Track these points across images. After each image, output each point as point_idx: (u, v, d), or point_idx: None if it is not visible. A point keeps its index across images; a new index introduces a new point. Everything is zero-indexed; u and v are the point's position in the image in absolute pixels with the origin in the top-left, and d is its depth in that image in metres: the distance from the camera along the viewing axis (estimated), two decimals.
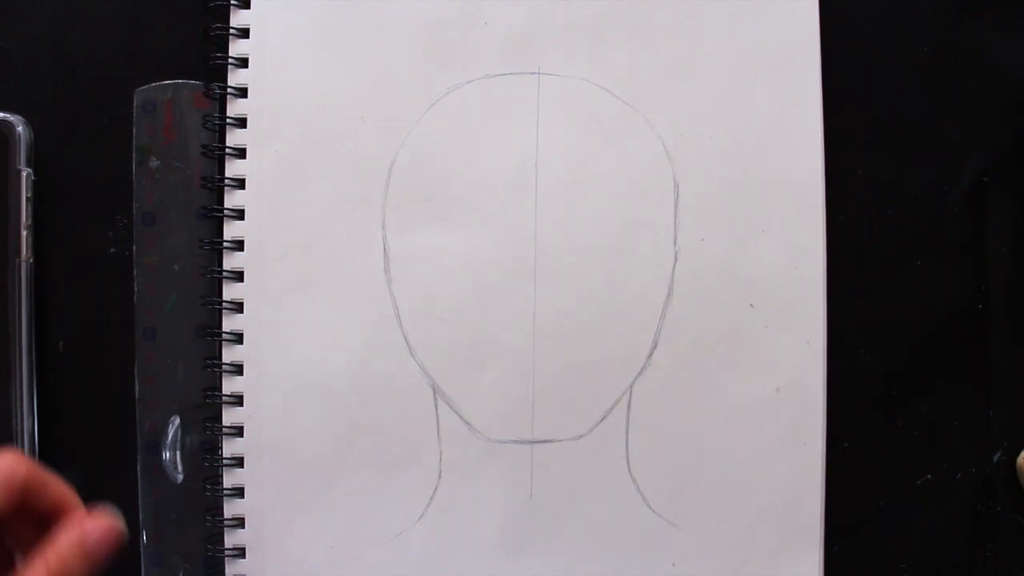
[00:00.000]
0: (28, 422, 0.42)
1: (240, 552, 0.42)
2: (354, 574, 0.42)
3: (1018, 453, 0.42)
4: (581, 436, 0.41)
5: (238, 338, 0.42)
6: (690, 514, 0.41)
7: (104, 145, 0.43)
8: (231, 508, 0.42)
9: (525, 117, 0.42)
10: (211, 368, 0.42)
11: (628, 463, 0.41)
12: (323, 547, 0.42)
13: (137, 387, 0.42)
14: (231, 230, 0.42)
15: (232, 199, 0.42)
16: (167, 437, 0.42)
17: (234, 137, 0.42)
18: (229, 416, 0.42)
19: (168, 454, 0.42)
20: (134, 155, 0.42)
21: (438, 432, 0.42)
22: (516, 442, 0.41)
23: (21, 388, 0.41)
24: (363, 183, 0.42)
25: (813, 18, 0.41)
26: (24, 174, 0.41)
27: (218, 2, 0.43)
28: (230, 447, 0.42)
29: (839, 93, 0.41)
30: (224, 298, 0.42)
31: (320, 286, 0.42)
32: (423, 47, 0.42)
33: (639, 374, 0.41)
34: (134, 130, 0.42)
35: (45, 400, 0.43)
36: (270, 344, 0.42)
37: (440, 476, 0.42)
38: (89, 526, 0.33)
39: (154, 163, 0.42)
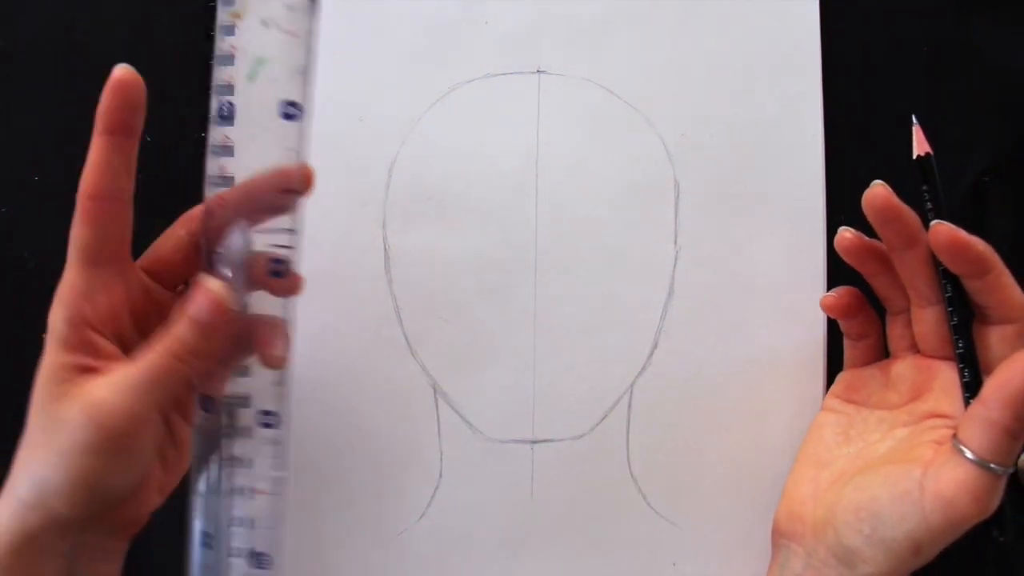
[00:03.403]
0: None
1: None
2: (354, 574, 0.42)
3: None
4: (582, 436, 0.41)
5: None
6: (690, 514, 0.41)
7: None
8: None
9: (526, 116, 0.42)
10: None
11: (628, 463, 0.41)
12: (323, 547, 0.42)
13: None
14: None
15: None
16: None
17: None
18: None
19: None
20: None
21: (439, 432, 0.42)
22: (517, 442, 0.41)
23: None
24: (363, 183, 0.42)
25: (813, 18, 0.41)
26: None
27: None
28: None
29: (839, 93, 0.41)
30: None
31: (320, 286, 0.42)
32: (423, 46, 0.42)
33: (639, 374, 0.41)
34: None
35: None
36: None
37: (441, 475, 0.41)
38: (192, 300, 0.33)
39: None
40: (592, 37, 0.42)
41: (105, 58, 0.44)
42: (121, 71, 0.34)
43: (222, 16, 0.34)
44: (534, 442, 0.41)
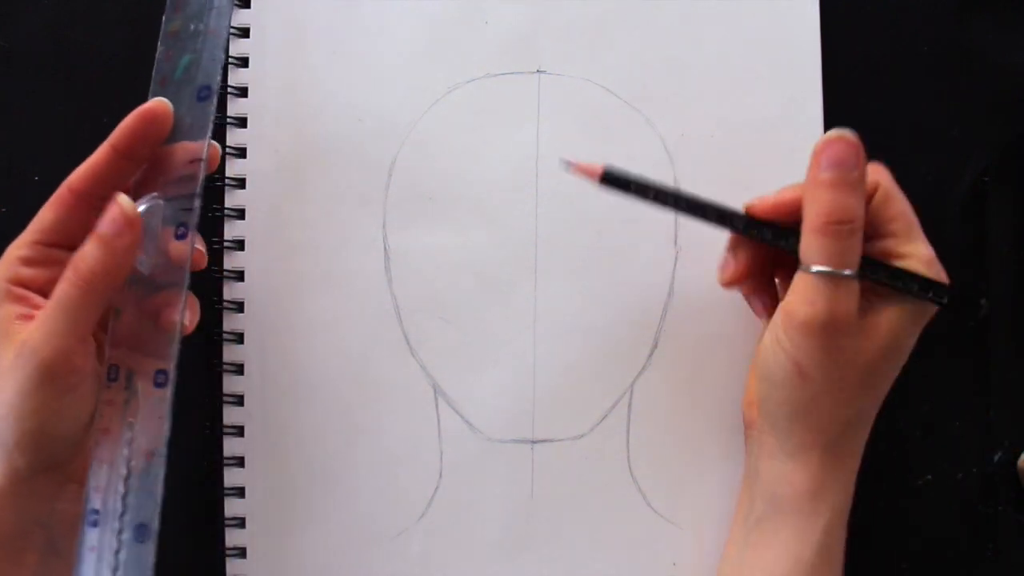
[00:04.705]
0: None
1: (240, 552, 0.42)
2: (354, 574, 0.42)
3: (1018, 453, 0.42)
4: (582, 436, 0.41)
5: (238, 338, 0.42)
6: (690, 514, 0.41)
7: None
8: (231, 508, 0.42)
9: (526, 116, 0.42)
10: (212, 368, 0.42)
11: (629, 463, 0.41)
12: (323, 547, 0.42)
13: None
14: (231, 230, 0.42)
15: (232, 199, 0.42)
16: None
17: (234, 137, 0.42)
18: (229, 416, 0.42)
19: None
20: None
21: (439, 432, 0.42)
22: (517, 442, 0.41)
23: None
24: (363, 183, 0.42)
25: (813, 18, 0.41)
26: None
27: None
28: (230, 447, 0.42)
29: (839, 93, 0.41)
30: (224, 298, 0.42)
31: (320, 286, 0.42)
32: (423, 46, 0.42)
33: (639, 374, 0.41)
34: None
35: None
36: (270, 344, 0.42)
37: (441, 476, 0.41)
38: (101, 219, 0.35)
39: None
40: (592, 37, 0.42)
41: (105, 58, 0.44)
42: (157, 103, 0.36)
43: (164, 30, 0.38)
44: (534, 442, 0.41)
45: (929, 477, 0.42)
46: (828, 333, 0.33)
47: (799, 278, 0.34)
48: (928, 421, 0.42)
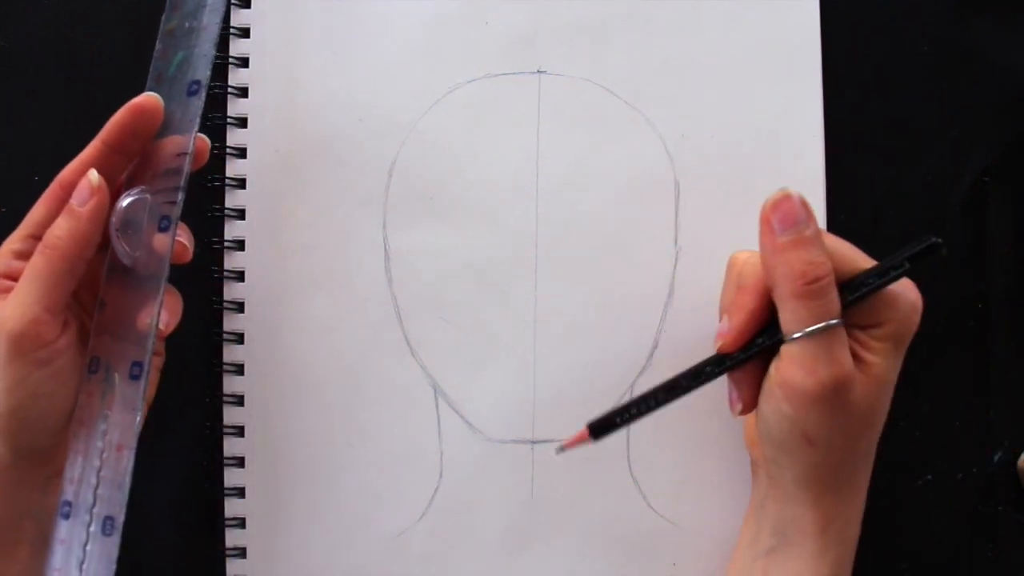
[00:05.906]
0: None
1: (240, 552, 0.42)
2: (354, 574, 0.42)
3: (1018, 453, 0.42)
4: None
5: (239, 338, 0.42)
6: (690, 514, 0.41)
7: None
8: (231, 508, 0.42)
9: (526, 117, 0.42)
10: (212, 368, 0.42)
11: (629, 463, 0.41)
12: (323, 547, 0.42)
13: None
14: (231, 230, 0.42)
15: (232, 199, 0.42)
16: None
17: (234, 137, 0.42)
18: (229, 416, 0.42)
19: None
20: None
21: (439, 432, 0.42)
22: (517, 442, 0.41)
23: None
24: (364, 183, 0.42)
25: (813, 18, 0.41)
26: None
27: None
28: (230, 447, 0.42)
29: (839, 93, 0.41)
30: (224, 298, 0.42)
31: (320, 286, 0.42)
32: (424, 46, 0.42)
33: (640, 374, 0.41)
34: None
35: None
36: (270, 344, 0.42)
37: (441, 476, 0.41)
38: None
39: None
40: (592, 37, 0.42)
41: (105, 58, 0.44)
42: (146, 98, 0.36)
43: (163, 29, 0.39)
44: (534, 442, 0.41)
45: (929, 477, 0.42)
46: (835, 396, 0.32)
47: (791, 348, 0.32)
48: (928, 421, 0.42)
